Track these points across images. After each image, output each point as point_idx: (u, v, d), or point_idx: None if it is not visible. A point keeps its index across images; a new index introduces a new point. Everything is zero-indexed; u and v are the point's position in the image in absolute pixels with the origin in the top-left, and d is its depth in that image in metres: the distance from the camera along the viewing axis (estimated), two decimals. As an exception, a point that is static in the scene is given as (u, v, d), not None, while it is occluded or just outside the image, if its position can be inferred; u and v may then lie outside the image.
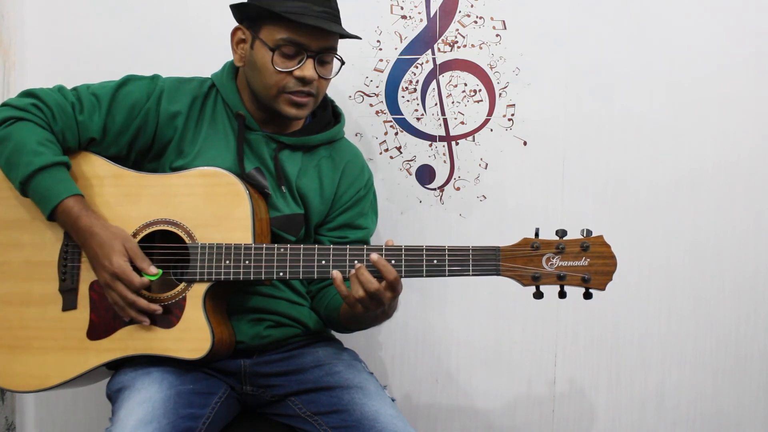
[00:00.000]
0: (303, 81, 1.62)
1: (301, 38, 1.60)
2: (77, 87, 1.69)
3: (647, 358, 2.11)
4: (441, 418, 2.18)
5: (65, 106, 1.63)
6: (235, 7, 1.67)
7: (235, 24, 1.69)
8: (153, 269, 1.56)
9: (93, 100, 1.65)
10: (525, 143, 2.08)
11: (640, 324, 2.10)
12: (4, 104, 1.65)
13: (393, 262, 1.51)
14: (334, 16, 1.64)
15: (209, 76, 1.75)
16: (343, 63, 1.69)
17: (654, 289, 2.09)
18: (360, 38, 1.69)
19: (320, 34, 1.61)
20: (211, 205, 1.59)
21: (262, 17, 1.62)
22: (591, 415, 2.14)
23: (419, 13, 2.07)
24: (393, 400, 1.66)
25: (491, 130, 2.09)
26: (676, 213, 2.06)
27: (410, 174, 2.12)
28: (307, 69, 1.62)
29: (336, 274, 1.51)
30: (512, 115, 2.08)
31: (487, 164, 2.10)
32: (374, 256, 1.50)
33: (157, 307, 1.55)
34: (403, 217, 2.13)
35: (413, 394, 2.18)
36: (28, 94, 1.66)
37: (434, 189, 2.12)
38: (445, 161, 2.11)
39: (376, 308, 1.53)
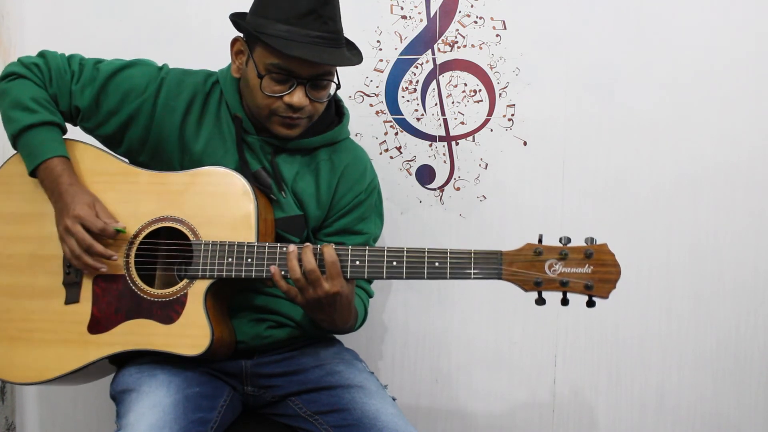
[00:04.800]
0: (292, 108, 1.59)
1: (290, 65, 1.55)
2: (89, 59, 1.71)
3: (647, 359, 2.11)
4: (441, 418, 2.18)
5: (64, 74, 1.66)
6: (234, 21, 1.65)
7: (236, 33, 1.66)
8: (120, 224, 1.58)
9: (94, 74, 1.67)
10: (525, 143, 2.08)
11: (640, 324, 2.10)
12: (18, 60, 1.70)
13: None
14: (332, 39, 1.57)
15: (216, 72, 1.73)
16: (339, 87, 1.65)
17: (654, 289, 2.08)
18: (358, 63, 1.63)
19: (311, 62, 1.55)
20: (216, 203, 1.59)
21: (255, 37, 1.58)
22: (591, 416, 2.14)
23: (419, 13, 2.07)
24: (394, 399, 1.66)
25: (491, 130, 2.09)
26: (676, 213, 2.06)
27: (410, 174, 2.12)
28: (296, 96, 1.57)
29: (274, 269, 1.52)
30: (512, 115, 2.08)
31: (487, 164, 2.10)
32: (326, 245, 1.51)
33: (113, 253, 1.57)
34: (403, 217, 2.13)
35: (413, 394, 2.17)
36: (40, 54, 1.71)
37: (434, 189, 2.12)
38: (445, 161, 2.11)
39: (312, 297, 1.50)
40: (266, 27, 1.55)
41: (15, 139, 1.63)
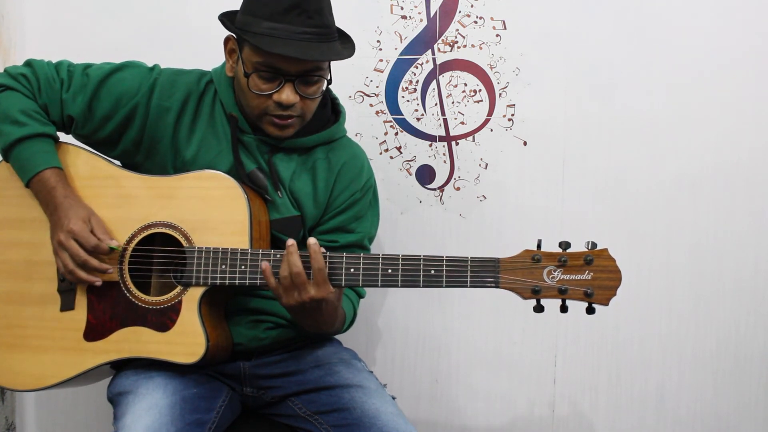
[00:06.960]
0: (281, 106, 1.57)
1: (275, 63, 1.53)
2: (77, 65, 1.69)
3: (647, 359, 2.11)
4: (441, 418, 2.18)
5: (54, 82, 1.64)
6: (222, 21, 1.63)
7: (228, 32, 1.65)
8: (114, 242, 1.56)
9: (84, 80, 1.65)
10: (525, 143, 2.08)
11: (640, 324, 2.10)
12: (4, 71, 1.68)
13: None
14: (318, 34, 1.54)
15: (210, 71, 1.72)
16: (329, 82, 1.63)
17: (654, 289, 2.08)
18: (347, 57, 1.60)
19: (296, 59, 1.52)
20: (209, 208, 1.58)
21: (243, 36, 1.56)
22: (591, 416, 2.14)
23: (419, 13, 2.07)
24: (393, 398, 1.66)
25: (491, 130, 2.09)
26: (676, 213, 2.06)
27: (410, 174, 2.12)
28: (285, 93, 1.55)
29: (265, 265, 1.49)
30: (512, 115, 2.08)
31: (487, 164, 2.10)
32: (311, 239, 1.47)
33: (108, 267, 1.56)
34: (403, 217, 2.13)
35: (413, 394, 2.17)
36: (27, 63, 1.68)
37: (434, 189, 2.12)
38: (445, 161, 2.11)
39: (296, 300, 1.49)
40: (251, 25, 1.54)
41: (6, 154, 1.61)
